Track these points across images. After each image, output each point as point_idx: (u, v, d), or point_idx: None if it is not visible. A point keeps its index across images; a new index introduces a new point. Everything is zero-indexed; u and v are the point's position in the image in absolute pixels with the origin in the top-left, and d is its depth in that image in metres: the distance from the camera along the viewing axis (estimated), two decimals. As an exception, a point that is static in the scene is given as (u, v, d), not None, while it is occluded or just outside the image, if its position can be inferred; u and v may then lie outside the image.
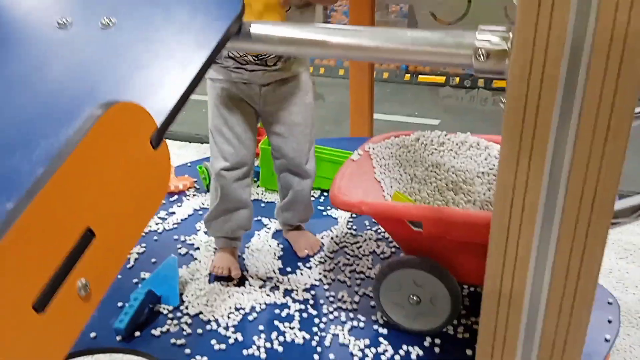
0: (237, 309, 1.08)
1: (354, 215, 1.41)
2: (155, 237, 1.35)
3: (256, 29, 0.72)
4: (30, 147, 0.61)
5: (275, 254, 1.26)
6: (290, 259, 1.24)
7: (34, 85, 0.70)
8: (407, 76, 3.91)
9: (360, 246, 1.27)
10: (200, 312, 1.07)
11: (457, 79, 3.78)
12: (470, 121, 3.08)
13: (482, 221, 0.85)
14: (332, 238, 1.31)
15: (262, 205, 1.49)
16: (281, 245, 1.30)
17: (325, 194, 1.52)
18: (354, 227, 1.36)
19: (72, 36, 0.76)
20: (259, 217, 1.41)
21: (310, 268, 1.20)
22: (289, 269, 1.20)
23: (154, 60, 0.69)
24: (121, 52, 0.72)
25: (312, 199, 1.42)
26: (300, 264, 1.22)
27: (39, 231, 0.48)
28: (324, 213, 1.43)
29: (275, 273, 1.19)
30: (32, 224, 0.47)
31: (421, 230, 0.91)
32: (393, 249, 1.25)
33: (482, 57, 0.61)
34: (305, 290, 1.13)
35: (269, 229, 1.37)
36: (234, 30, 0.72)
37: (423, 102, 3.57)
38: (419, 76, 3.88)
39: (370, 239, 1.29)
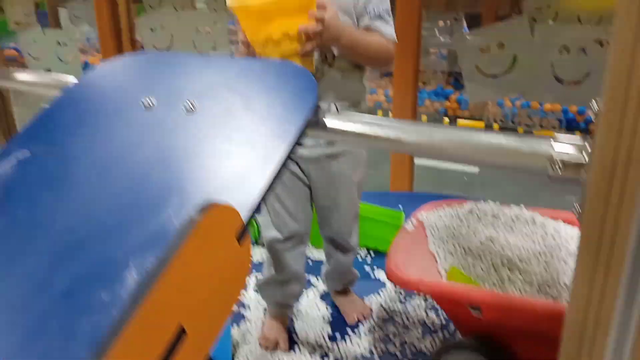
0: (287, 377, 1.09)
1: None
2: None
3: (332, 122, 0.74)
4: (122, 234, 0.64)
5: (324, 318, 1.27)
6: (340, 325, 1.24)
7: (123, 169, 0.72)
8: (446, 120, 3.92)
9: (410, 315, 1.27)
10: (252, 378, 1.08)
11: (496, 125, 3.77)
12: (511, 171, 3.05)
13: (544, 310, 0.85)
14: (381, 304, 1.31)
15: (310, 263, 1.51)
16: (330, 310, 1.30)
17: (371, 253, 1.53)
18: (402, 293, 1.36)
19: (157, 118, 0.78)
20: (308, 276, 1.42)
21: (359, 336, 1.20)
22: (338, 335, 1.21)
23: (236, 151, 0.71)
24: (204, 138, 0.74)
25: (359, 258, 1.43)
26: (349, 330, 1.22)
27: (140, 336, 0.50)
28: (372, 275, 1.43)
29: (324, 340, 1.19)
30: (135, 332, 0.49)
31: (480, 316, 0.91)
32: (444, 321, 1.24)
33: (558, 168, 0.62)
34: (356, 360, 1.14)
35: (318, 289, 1.38)
36: (310, 122, 0.74)
37: (461, 147, 3.56)
38: (458, 120, 3.89)
39: (419, 307, 1.29)
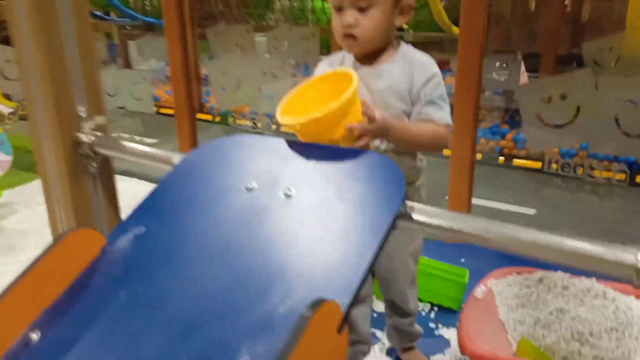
0: None
1: (466, 337, 1.45)
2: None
3: (419, 214, 0.80)
4: (232, 317, 0.71)
5: (392, 375, 1.32)
6: (407, 383, 1.29)
7: (228, 249, 0.78)
8: (501, 159, 3.91)
9: (476, 376, 1.30)
10: None
11: (555, 165, 3.73)
12: (569, 215, 3.03)
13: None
14: (446, 363, 1.35)
15: (375, 315, 1.56)
16: (397, 366, 1.36)
17: (435, 308, 1.57)
18: (467, 351, 1.39)
19: (258, 201, 0.85)
20: (374, 330, 1.47)
21: (427, 396, 1.25)
22: (406, 395, 1.25)
23: (332, 241, 0.77)
24: (301, 224, 0.80)
25: (423, 313, 1.47)
26: (417, 389, 1.27)
27: None
28: (436, 332, 1.47)
29: (393, 399, 1.24)
30: None
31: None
32: (510, 384, 1.27)
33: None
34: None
35: (383, 343, 1.43)
36: (400, 214, 0.80)
37: (518, 188, 3.55)
38: (514, 159, 3.87)
39: (485, 368, 1.32)
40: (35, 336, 0.76)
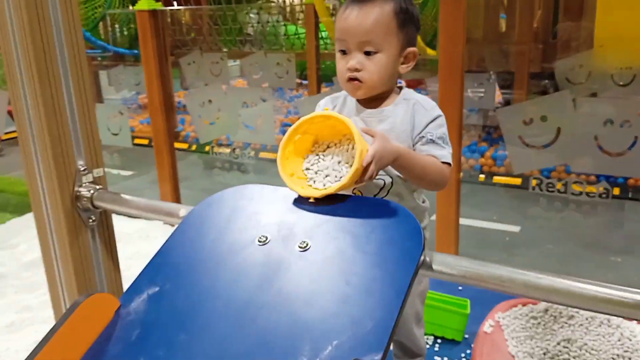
0: None
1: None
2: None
3: (440, 265, 0.81)
4: None
5: (402, 412, 1.31)
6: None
7: (248, 307, 0.77)
8: (482, 177, 3.97)
9: (487, 410, 1.30)
10: None
11: (535, 181, 3.80)
12: (552, 231, 3.09)
13: None
14: (455, 397, 1.35)
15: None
16: (407, 402, 1.35)
17: (439, 340, 1.57)
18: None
19: (273, 255, 0.83)
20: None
21: None
22: None
23: (354, 295, 0.76)
24: (321, 279, 0.79)
25: (427, 346, 1.47)
26: None
27: None
28: (442, 365, 1.48)
29: None
30: None
31: None
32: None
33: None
34: None
35: (391, 379, 1.43)
36: (420, 265, 0.80)
37: (500, 206, 3.60)
38: (494, 177, 3.93)
39: (495, 400, 1.33)
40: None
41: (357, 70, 1.00)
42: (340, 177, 0.91)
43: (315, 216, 0.89)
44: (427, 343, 1.55)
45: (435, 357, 1.50)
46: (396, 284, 0.77)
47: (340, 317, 0.75)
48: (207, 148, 4.40)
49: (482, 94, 4.08)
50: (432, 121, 1.04)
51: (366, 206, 0.90)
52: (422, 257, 0.79)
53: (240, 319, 0.78)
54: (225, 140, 4.16)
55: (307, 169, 0.96)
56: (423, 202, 1.13)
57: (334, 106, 1.12)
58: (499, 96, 4.40)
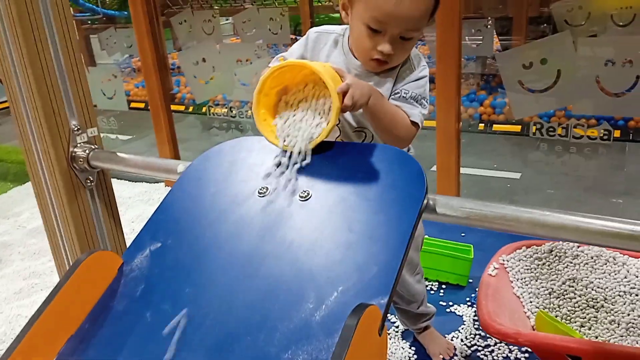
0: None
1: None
2: None
3: (442, 205, 0.80)
4: (269, 329, 0.70)
5: (409, 358, 1.33)
6: (427, 364, 1.30)
7: (253, 259, 0.77)
8: (481, 125, 3.94)
9: (493, 350, 1.32)
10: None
11: (534, 127, 3.77)
12: (552, 176, 3.08)
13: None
14: (462, 340, 1.37)
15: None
16: (413, 348, 1.36)
17: (443, 286, 1.58)
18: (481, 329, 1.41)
19: (274, 205, 0.82)
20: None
21: (448, 375, 1.26)
22: (426, 376, 1.27)
23: (358, 242, 0.74)
24: (324, 227, 0.78)
25: (432, 292, 1.48)
26: (437, 369, 1.28)
27: None
28: (447, 310, 1.49)
29: (414, 380, 1.26)
30: None
31: (581, 365, 0.96)
32: (527, 355, 1.29)
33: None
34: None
35: (397, 327, 1.44)
36: (423, 208, 0.79)
37: (500, 154, 3.58)
38: (494, 125, 3.90)
39: (500, 342, 1.34)
40: (65, 367, 0.74)
41: (388, 55, 0.94)
42: (314, 129, 0.88)
43: (315, 165, 0.88)
44: (432, 289, 1.56)
45: (441, 302, 1.51)
46: (400, 228, 0.76)
47: (344, 263, 0.74)
48: (204, 109, 4.36)
49: (480, 41, 4.00)
50: (414, 80, 1.00)
51: (364, 151, 0.88)
52: (425, 200, 0.78)
53: (244, 269, 0.78)
54: (221, 100, 4.11)
55: (281, 130, 0.91)
56: (408, 150, 1.11)
57: (320, 45, 1.05)
58: (496, 43, 4.32)
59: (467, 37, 4.11)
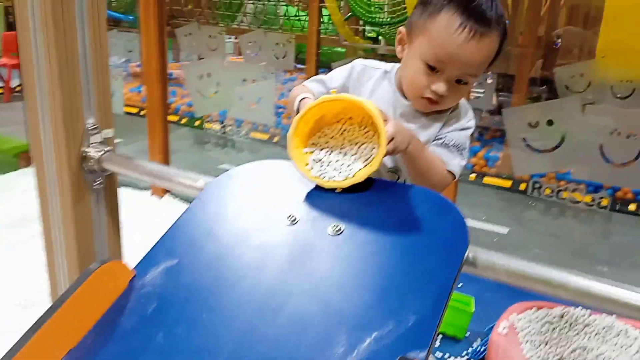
0: None
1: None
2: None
3: (483, 260, 0.76)
4: None
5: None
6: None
7: (278, 289, 0.72)
8: (472, 176, 3.95)
9: (490, 411, 1.27)
10: None
11: (524, 185, 3.80)
12: (540, 236, 3.09)
13: None
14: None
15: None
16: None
17: (439, 336, 1.54)
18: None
19: (304, 235, 0.78)
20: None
21: None
22: None
23: (396, 289, 0.68)
24: (356, 266, 0.74)
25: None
26: None
27: None
28: (445, 363, 1.44)
29: None
30: None
31: None
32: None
33: None
34: None
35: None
36: (464, 262, 0.74)
37: (490, 206, 3.59)
38: (485, 177, 3.92)
39: (497, 403, 1.30)
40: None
41: (442, 96, 0.90)
42: (348, 167, 0.84)
43: (347, 199, 0.83)
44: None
45: (437, 353, 1.46)
46: (440, 280, 0.71)
47: (378, 308, 0.70)
48: (197, 122, 4.30)
49: (480, 94, 4.06)
50: (459, 130, 0.97)
51: (402, 192, 0.84)
52: (467, 253, 0.75)
53: (269, 302, 0.72)
54: (216, 117, 4.06)
55: (315, 161, 0.87)
56: None
57: (364, 79, 1.00)
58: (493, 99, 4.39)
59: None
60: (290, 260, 0.77)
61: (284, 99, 4.93)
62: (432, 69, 0.89)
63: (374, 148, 0.83)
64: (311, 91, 0.97)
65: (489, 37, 0.86)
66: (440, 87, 0.89)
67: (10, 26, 4.95)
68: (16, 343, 0.65)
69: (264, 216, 0.84)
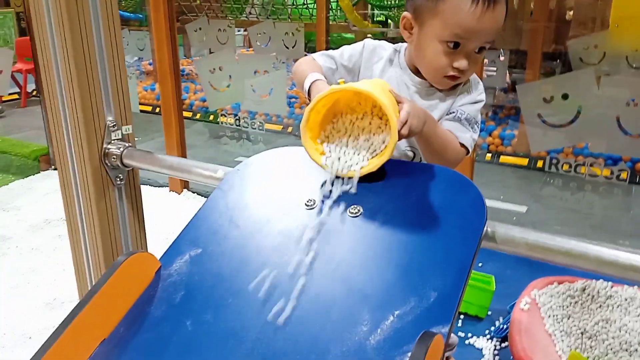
0: None
1: (497, 347, 1.43)
2: None
3: (502, 235, 0.77)
4: (319, 351, 0.66)
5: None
6: (446, 395, 1.26)
7: (299, 275, 0.73)
8: (489, 156, 3.93)
9: (514, 386, 1.28)
10: None
11: (541, 162, 3.77)
12: (559, 212, 3.07)
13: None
14: (482, 373, 1.33)
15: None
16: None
17: (462, 316, 1.55)
18: (500, 360, 1.38)
19: (322, 218, 0.79)
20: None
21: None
22: (446, 407, 1.23)
23: (416, 267, 0.70)
24: (375, 247, 0.75)
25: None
26: (456, 401, 1.24)
27: None
28: (466, 342, 1.45)
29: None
30: None
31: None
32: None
33: None
34: None
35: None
36: (482, 237, 0.75)
37: (507, 185, 3.57)
38: (501, 156, 3.89)
39: (522, 377, 1.31)
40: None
41: (464, 71, 0.91)
42: (362, 156, 0.84)
43: (366, 181, 0.84)
44: (450, 319, 1.53)
45: (459, 333, 1.48)
46: (459, 256, 0.73)
47: (399, 286, 0.71)
48: (211, 117, 4.33)
49: (493, 73, 4.02)
50: (471, 103, 0.98)
51: (419, 171, 0.85)
52: (485, 228, 0.76)
53: (292, 284, 0.74)
54: (230, 110, 4.08)
55: (329, 151, 0.88)
56: None
57: (375, 58, 1.01)
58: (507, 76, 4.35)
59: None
60: (310, 242, 0.78)
61: (296, 89, 4.94)
62: (452, 46, 0.89)
63: (387, 135, 0.84)
64: (320, 67, 0.98)
65: (499, 2, 0.88)
66: (462, 63, 0.90)
67: (23, 32, 5.01)
68: (50, 336, 0.68)
69: (283, 202, 0.85)
